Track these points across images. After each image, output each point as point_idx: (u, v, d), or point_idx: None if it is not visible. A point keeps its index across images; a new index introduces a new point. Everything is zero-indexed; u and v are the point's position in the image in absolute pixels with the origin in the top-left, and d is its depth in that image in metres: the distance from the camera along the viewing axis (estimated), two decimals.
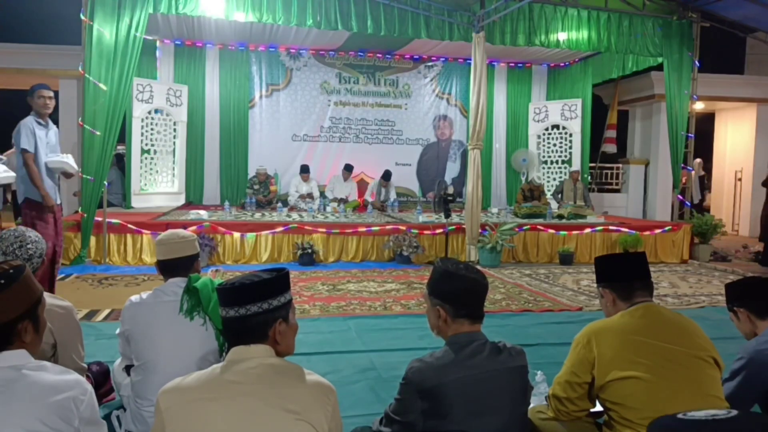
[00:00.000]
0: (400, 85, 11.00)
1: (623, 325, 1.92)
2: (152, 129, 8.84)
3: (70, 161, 4.65)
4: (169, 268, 2.44)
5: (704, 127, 12.28)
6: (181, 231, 2.55)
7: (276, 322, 1.52)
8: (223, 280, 1.60)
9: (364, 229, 7.47)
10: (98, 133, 6.54)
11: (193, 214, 7.74)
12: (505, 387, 1.82)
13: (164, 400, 1.45)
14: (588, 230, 8.08)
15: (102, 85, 6.52)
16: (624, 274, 2.07)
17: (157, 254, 2.48)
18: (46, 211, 4.51)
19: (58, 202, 4.69)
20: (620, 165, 12.06)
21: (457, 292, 1.86)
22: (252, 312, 1.49)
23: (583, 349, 1.92)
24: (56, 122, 10.09)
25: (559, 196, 9.72)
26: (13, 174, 4.57)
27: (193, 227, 6.79)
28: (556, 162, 10.97)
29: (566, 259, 7.68)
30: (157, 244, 2.48)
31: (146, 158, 8.81)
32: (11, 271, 1.47)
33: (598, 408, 2.04)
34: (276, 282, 1.53)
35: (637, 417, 1.79)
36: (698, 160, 9.86)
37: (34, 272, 2.30)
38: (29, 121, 4.53)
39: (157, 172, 8.98)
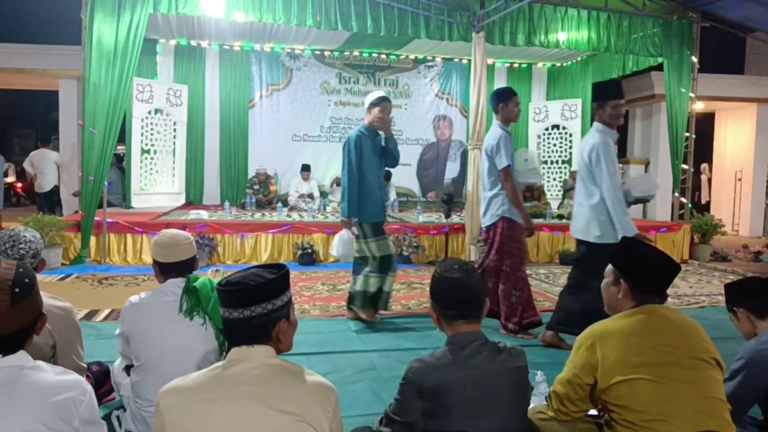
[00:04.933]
0: (400, 85, 11.00)
1: (626, 328, 1.90)
2: (152, 129, 8.83)
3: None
4: (168, 270, 2.44)
5: (704, 127, 12.27)
6: (178, 233, 2.49)
7: (279, 322, 1.52)
8: (223, 279, 1.59)
9: None
10: (98, 132, 6.54)
11: (193, 214, 7.75)
12: (505, 387, 1.82)
13: (164, 400, 1.45)
14: None
15: (94, 79, 6.48)
16: (654, 275, 1.99)
17: (154, 255, 2.47)
18: (519, 230, 4.34)
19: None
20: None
21: (441, 292, 1.90)
22: (257, 313, 1.48)
23: (586, 351, 1.91)
24: (56, 122, 10.20)
25: (567, 193, 9.70)
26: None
27: (194, 227, 6.80)
28: (556, 162, 10.97)
29: (566, 259, 7.67)
30: (154, 245, 2.47)
31: (146, 158, 8.81)
32: (27, 280, 1.44)
33: (594, 413, 2.04)
34: (278, 282, 1.53)
35: (639, 419, 1.78)
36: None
37: None
38: (504, 133, 4.26)
39: (157, 172, 8.98)
